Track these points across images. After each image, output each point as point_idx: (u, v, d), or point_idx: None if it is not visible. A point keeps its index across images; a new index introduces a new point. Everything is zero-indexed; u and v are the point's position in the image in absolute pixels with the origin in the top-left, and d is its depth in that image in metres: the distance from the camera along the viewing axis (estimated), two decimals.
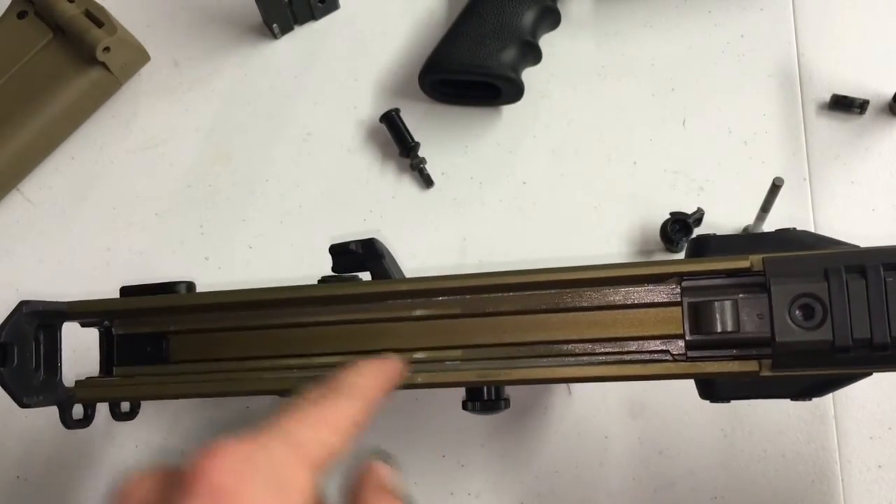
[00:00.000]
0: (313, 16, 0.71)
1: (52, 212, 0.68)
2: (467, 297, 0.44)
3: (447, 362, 0.43)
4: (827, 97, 0.64)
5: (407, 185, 0.66)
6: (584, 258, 0.62)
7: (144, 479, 0.31)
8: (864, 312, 0.37)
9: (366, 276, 0.48)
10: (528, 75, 0.65)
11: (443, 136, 0.67)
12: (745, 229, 0.61)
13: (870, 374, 0.40)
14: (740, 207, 0.61)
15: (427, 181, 0.65)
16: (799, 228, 0.43)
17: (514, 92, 0.64)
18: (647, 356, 0.41)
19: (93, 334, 0.50)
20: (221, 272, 0.65)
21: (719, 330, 0.39)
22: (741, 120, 0.64)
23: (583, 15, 0.69)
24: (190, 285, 0.49)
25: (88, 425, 0.49)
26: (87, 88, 0.68)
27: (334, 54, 0.71)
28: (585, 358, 0.42)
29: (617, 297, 0.42)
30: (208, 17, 0.73)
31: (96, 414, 0.50)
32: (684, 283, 0.41)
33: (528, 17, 0.63)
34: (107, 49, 0.66)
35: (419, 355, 0.44)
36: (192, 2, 0.73)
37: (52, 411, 0.48)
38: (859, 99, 0.63)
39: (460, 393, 0.47)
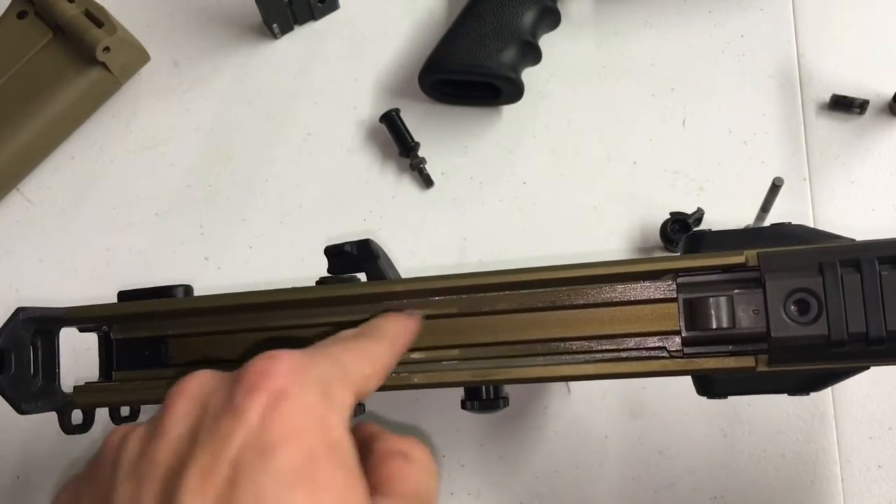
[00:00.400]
0: (313, 16, 0.71)
1: (52, 212, 0.68)
2: (463, 296, 0.43)
3: (444, 362, 0.43)
4: (827, 97, 0.64)
5: (407, 185, 0.66)
6: (584, 258, 0.62)
7: (203, 376, 0.34)
8: (860, 306, 0.37)
9: (362, 276, 0.48)
10: (528, 75, 0.65)
11: (443, 136, 0.67)
12: (746, 229, 0.61)
13: (867, 367, 0.40)
14: (740, 207, 0.61)
15: (427, 181, 0.65)
16: (793, 223, 0.43)
17: (514, 92, 0.64)
18: (644, 353, 0.41)
19: (92, 334, 0.50)
20: (221, 272, 0.65)
21: (715, 326, 0.39)
22: (741, 120, 0.64)
23: (583, 15, 0.69)
24: (187, 289, 0.49)
25: (88, 430, 0.49)
26: (87, 88, 0.68)
27: (334, 54, 0.71)
28: (582, 356, 0.42)
29: (613, 295, 0.42)
30: (208, 17, 0.73)
31: (97, 415, 0.50)
32: (679, 280, 0.41)
33: (528, 17, 0.63)
34: (107, 49, 0.66)
35: (416, 355, 0.44)
36: (192, 2, 0.73)
37: (52, 413, 0.48)
38: (859, 99, 0.63)
39: (459, 392, 0.47)
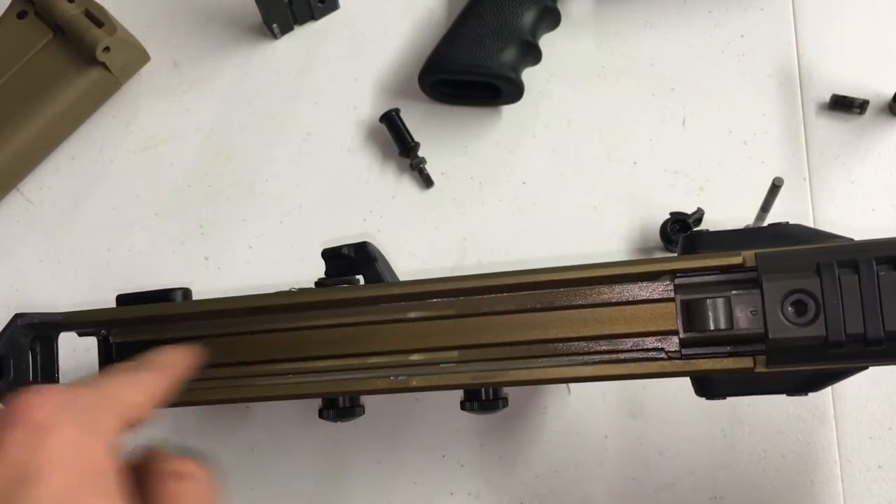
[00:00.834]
0: (313, 16, 0.71)
1: (52, 212, 0.68)
2: (461, 298, 0.43)
3: (442, 364, 0.43)
4: (827, 97, 0.64)
5: (407, 185, 0.66)
6: (584, 258, 0.62)
7: None
8: (857, 307, 0.37)
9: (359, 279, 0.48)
10: (528, 75, 0.65)
11: (443, 136, 0.67)
12: (746, 228, 0.61)
13: (866, 367, 0.39)
14: (740, 207, 0.61)
15: (427, 181, 0.65)
16: (792, 222, 0.43)
17: (514, 92, 0.64)
18: (642, 354, 0.41)
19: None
20: (221, 272, 0.65)
21: (712, 327, 0.39)
22: (741, 120, 0.64)
23: (583, 15, 0.69)
24: (186, 292, 0.49)
25: None
26: (87, 88, 0.68)
27: (334, 54, 0.71)
28: (581, 358, 0.42)
29: (611, 296, 0.42)
30: (208, 17, 0.73)
31: None
32: (677, 281, 0.41)
33: (528, 17, 0.63)
34: (107, 49, 0.66)
35: (415, 357, 0.44)
36: (192, 2, 0.73)
37: None
38: (859, 99, 0.63)
39: (459, 393, 0.47)
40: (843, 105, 0.63)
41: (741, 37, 0.67)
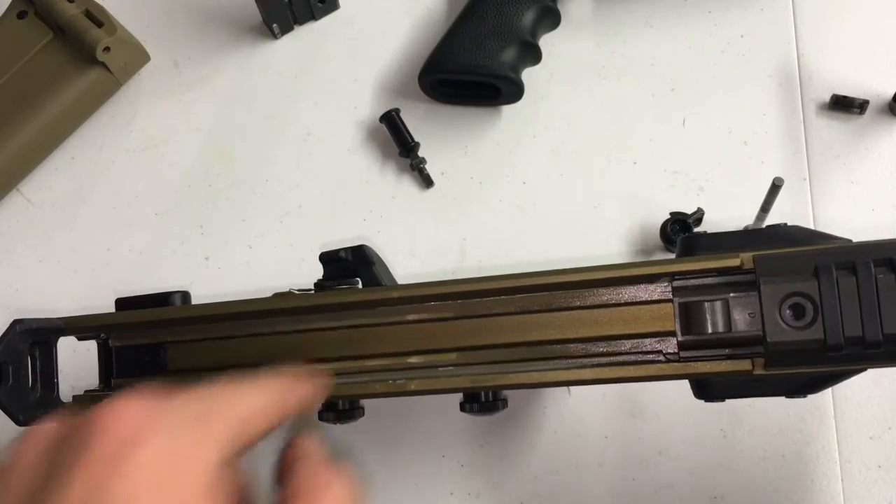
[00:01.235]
0: (313, 16, 0.71)
1: (52, 212, 0.68)
2: (459, 301, 0.43)
3: (440, 368, 0.43)
4: (827, 97, 0.64)
5: (407, 185, 0.66)
6: (584, 258, 0.62)
7: (48, 427, 0.30)
8: (856, 310, 0.37)
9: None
10: (528, 75, 0.65)
11: (443, 136, 0.67)
12: (745, 229, 0.61)
13: (864, 369, 0.39)
14: (740, 207, 0.61)
15: (427, 181, 0.65)
16: (790, 224, 0.43)
17: (514, 92, 0.64)
18: (641, 357, 0.41)
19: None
20: (221, 272, 0.65)
21: (710, 330, 0.39)
22: (741, 120, 0.64)
23: (583, 15, 0.69)
24: (185, 295, 0.49)
25: None
26: (87, 88, 0.68)
27: (334, 54, 0.70)
28: (579, 361, 0.42)
29: (608, 298, 0.42)
30: (208, 17, 0.73)
31: None
32: (675, 283, 0.41)
33: (528, 17, 0.63)
34: (107, 49, 0.66)
35: (413, 360, 0.44)
36: (191, 2, 0.73)
37: None
38: (859, 99, 0.63)
39: (459, 394, 0.47)
40: (843, 105, 0.63)
41: (741, 37, 0.67)
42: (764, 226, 0.59)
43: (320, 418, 0.48)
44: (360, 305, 0.44)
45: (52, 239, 0.67)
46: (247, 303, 0.45)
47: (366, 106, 0.68)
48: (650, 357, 0.41)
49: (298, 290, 0.49)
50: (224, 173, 0.68)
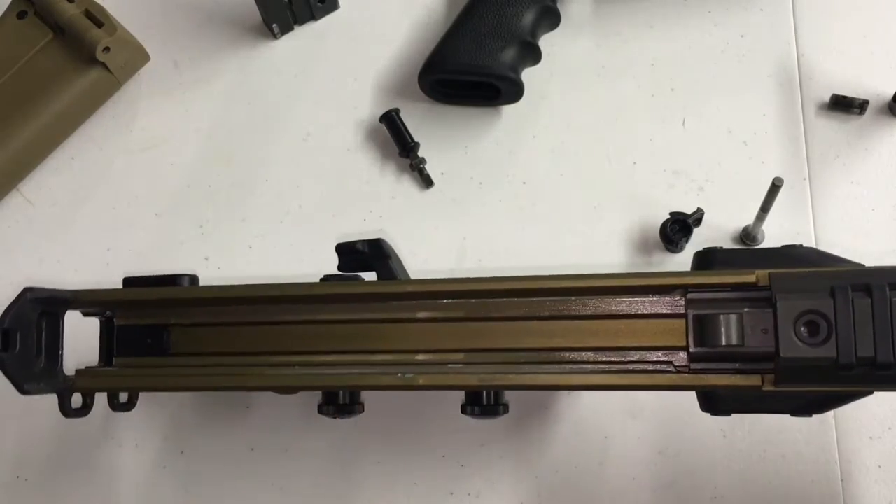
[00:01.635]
0: (313, 16, 0.71)
1: (52, 212, 0.68)
2: (472, 300, 0.44)
3: (450, 365, 0.43)
4: (827, 97, 0.64)
5: (407, 185, 0.66)
6: (584, 258, 0.62)
7: None
8: (869, 331, 0.37)
9: (371, 276, 0.48)
10: (528, 75, 0.65)
11: (443, 136, 0.67)
12: (745, 229, 0.61)
13: (871, 392, 0.40)
14: (740, 207, 0.61)
15: (427, 181, 0.65)
16: (805, 245, 0.43)
17: (514, 92, 0.64)
18: (650, 367, 0.41)
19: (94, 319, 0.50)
20: (221, 272, 0.65)
21: (724, 343, 0.39)
22: (741, 120, 0.64)
23: (583, 15, 0.69)
24: (193, 278, 0.49)
25: (87, 415, 0.49)
26: (87, 88, 0.68)
27: (334, 54, 0.70)
28: (589, 366, 0.42)
29: (621, 307, 0.42)
30: (208, 17, 0.73)
31: (97, 414, 0.50)
32: (689, 296, 0.41)
33: (528, 17, 0.63)
34: (107, 49, 0.66)
35: (421, 357, 0.44)
36: (191, 2, 0.73)
37: (53, 410, 0.48)
38: (859, 99, 0.63)
39: (460, 395, 0.47)
40: (843, 105, 0.63)
41: (741, 37, 0.67)
42: (763, 225, 0.59)
43: (319, 412, 0.48)
44: (372, 297, 0.44)
45: (52, 239, 0.67)
46: (258, 288, 0.45)
47: (366, 106, 0.68)
48: (660, 367, 0.41)
49: (310, 283, 0.49)
50: (224, 173, 0.68)
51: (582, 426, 0.58)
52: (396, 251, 0.60)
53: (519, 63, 0.64)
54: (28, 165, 0.68)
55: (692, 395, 0.44)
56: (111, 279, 0.65)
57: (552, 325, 0.43)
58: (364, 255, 0.46)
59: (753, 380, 0.39)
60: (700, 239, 0.61)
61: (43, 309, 0.46)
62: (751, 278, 0.40)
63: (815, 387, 0.39)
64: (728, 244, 0.61)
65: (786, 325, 0.38)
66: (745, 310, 0.40)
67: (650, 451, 0.58)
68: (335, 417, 0.48)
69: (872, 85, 0.64)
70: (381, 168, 0.67)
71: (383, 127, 0.66)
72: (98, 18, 0.66)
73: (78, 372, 0.48)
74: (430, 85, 0.66)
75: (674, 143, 0.64)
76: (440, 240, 0.64)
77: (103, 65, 0.67)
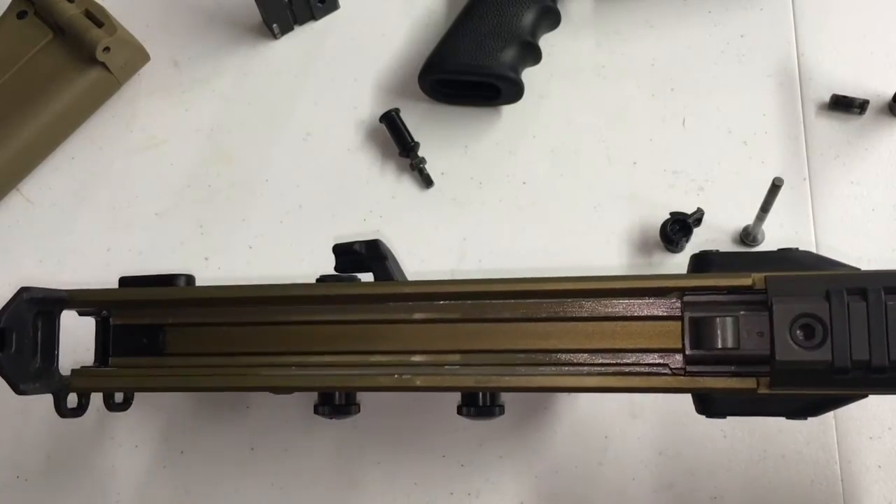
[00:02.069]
0: (313, 16, 0.71)
1: (52, 212, 0.68)
2: (468, 302, 0.44)
3: (447, 366, 0.43)
4: (827, 97, 0.64)
5: (407, 185, 0.66)
6: (584, 258, 0.62)
7: None
8: (864, 335, 0.37)
9: (367, 276, 0.48)
10: (528, 75, 0.65)
11: (443, 136, 0.67)
12: (745, 229, 0.61)
13: (865, 396, 0.40)
14: (740, 207, 0.61)
15: (427, 181, 0.65)
16: (801, 248, 0.43)
17: (514, 92, 0.64)
18: (646, 369, 0.41)
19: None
20: (221, 272, 0.65)
21: (720, 346, 0.39)
22: (741, 120, 0.64)
23: (583, 15, 0.69)
24: (189, 278, 0.49)
25: (82, 415, 0.49)
26: (87, 88, 0.68)
27: (334, 54, 0.71)
28: (585, 368, 0.42)
29: (618, 309, 0.42)
30: (208, 17, 0.73)
31: (96, 414, 0.50)
32: (686, 298, 0.41)
33: (528, 17, 0.63)
34: (107, 49, 0.66)
35: (417, 358, 0.44)
36: (192, 2, 0.73)
37: (51, 411, 0.48)
38: (859, 99, 0.63)
39: (458, 395, 0.47)
40: (843, 105, 0.63)
41: (741, 37, 0.67)
42: (764, 226, 0.59)
43: (315, 412, 0.48)
44: (369, 299, 0.44)
45: (52, 239, 0.67)
46: (253, 288, 0.46)
47: (366, 106, 0.68)
48: (656, 369, 0.41)
49: (307, 283, 0.49)
50: (224, 173, 0.68)
51: (582, 426, 0.58)
52: (396, 251, 0.60)
53: (519, 63, 0.64)
54: (28, 165, 0.68)
55: (691, 395, 0.44)
56: (111, 279, 0.65)
57: (548, 326, 0.43)
58: (361, 255, 0.46)
59: (749, 382, 0.39)
60: (700, 239, 0.61)
61: (39, 309, 0.46)
62: (747, 281, 0.40)
63: (811, 390, 0.39)
64: (728, 244, 0.61)
65: (781, 329, 0.38)
66: (741, 313, 0.40)
67: (650, 452, 0.58)
68: (331, 418, 0.48)
69: (872, 85, 0.64)
70: (381, 168, 0.67)
71: (383, 127, 0.66)
72: (98, 18, 0.67)
73: (74, 372, 0.48)
74: (430, 85, 0.66)
75: (674, 143, 0.64)
76: (440, 240, 0.64)
77: (103, 65, 0.67)
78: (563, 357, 0.42)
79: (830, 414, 0.57)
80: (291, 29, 0.71)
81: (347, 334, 0.45)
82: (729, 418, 0.57)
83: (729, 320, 0.39)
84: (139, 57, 0.70)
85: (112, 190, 0.68)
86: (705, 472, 0.57)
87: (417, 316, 0.44)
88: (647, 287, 0.41)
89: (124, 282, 0.49)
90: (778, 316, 0.38)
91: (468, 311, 0.44)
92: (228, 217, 0.66)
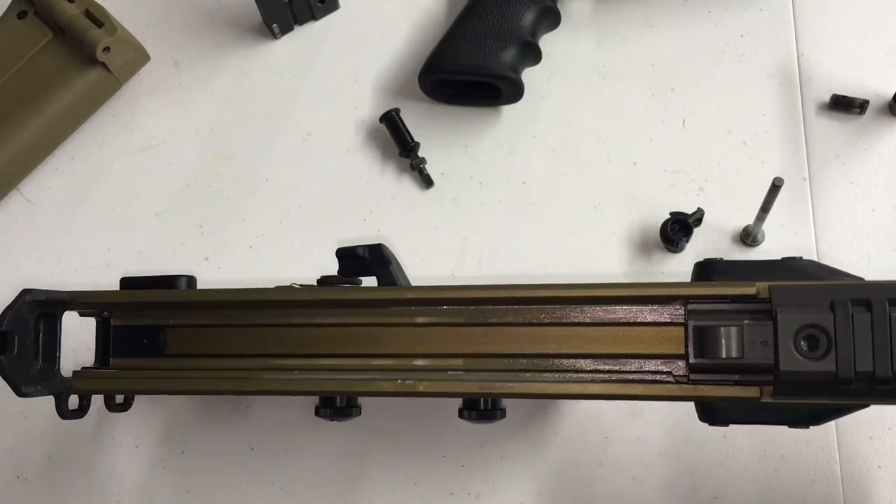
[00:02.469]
0: (313, 16, 0.71)
1: (52, 212, 0.68)
2: (471, 307, 0.43)
3: (450, 371, 0.43)
4: (827, 97, 0.64)
5: (407, 185, 0.66)
6: (584, 258, 0.62)
7: None
8: (868, 346, 0.37)
9: (370, 280, 0.48)
10: (528, 75, 0.65)
11: (443, 136, 0.67)
12: (745, 229, 0.61)
13: (867, 405, 0.40)
14: (740, 207, 0.61)
15: (427, 181, 0.65)
16: (805, 257, 0.43)
17: (514, 92, 0.64)
18: (650, 376, 0.41)
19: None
20: (221, 272, 0.65)
21: (724, 355, 0.39)
22: (741, 120, 0.64)
23: (583, 15, 0.69)
24: (191, 280, 0.49)
25: (83, 416, 0.49)
26: (87, 88, 0.68)
27: (334, 54, 0.70)
28: (588, 375, 0.42)
29: (621, 315, 0.42)
30: (208, 17, 0.73)
31: (97, 414, 0.50)
32: (690, 307, 0.41)
33: (528, 17, 0.63)
34: (107, 49, 0.66)
35: (419, 362, 0.44)
36: (192, 2, 0.73)
37: (52, 412, 0.48)
38: (859, 99, 0.63)
39: (459, 398, 0.47)
40: (843, 105, 0.63)
41: (741, 37, 0.67)
42: (764, 226, 0.59)
43: (317, 414, 0.48)
44: (373, 303, 0.44)
45: (52, 239, 0.67)
46: (255, 292, 0.45)
47: (366, 106, 0.68)
48: (659, 377, 0.41)
49: (299, 285, 0.49)
50: (224, 173, 0.68)
51: (582, 426, 0.58)
52: (396, 251, 0.60)
53: (519, 63, 0.64)
54: (28, 165, 0.68)
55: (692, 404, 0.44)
56: (111, 279, 0.65)
57: (552, 330, 0.43)
58: (364, 259, 0.46)
59: (752, 391, 0.39)
60: (700, 239, 0.61)
61: (40, 311, 0.46)
62: (751, 290, 0.40)
63: (813, 399, 0.39)
64: (728, 244, 0.61)
65: (786, 339, 0.38)
66: (745, 322, 0.40)
67: (650, 452, 0.58)
68: (332, 420, 0.48)
69: (872, 85, 0.64)
70: (381, 168, 0.67)
71: (383, 127, 0.66)
72: (98, 18, 0.67)
73: (75, 373, 0.48)
74: (430, 85, 0.66)
75: (674, 143, 0.64)
76: (440, 240, 0.64)
77: (103, 65, 0.67)
78: (567, 363, 0.42)
79: None
80: (291, 29, 0.71)
81: (349, 337, 0.45)
82: None
83: (733, 330, 0.39)
84: (139, 57, 0.70)
85: (112, 190, 0.68)
86: (705, 472, 0.57)
87: (420, 320, 0.44)
88: (651, 295, 0.41)
89: (125, 282, 0.49)
90: (782, 326, 0.38)
91: (471, 315, 0.44)
92: (228, 217, 0.66)
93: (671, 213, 0.61)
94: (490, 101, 0.66)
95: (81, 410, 0.49)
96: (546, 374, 0.42)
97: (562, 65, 0.68)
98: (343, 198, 0.66)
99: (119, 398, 0.53)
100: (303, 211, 0.66)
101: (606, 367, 0.42)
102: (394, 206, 0.65)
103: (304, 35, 0.71)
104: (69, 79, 0.67)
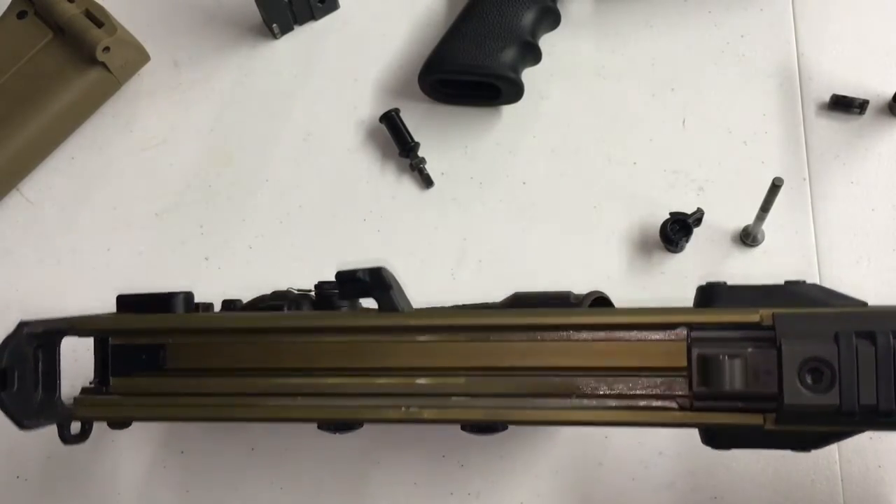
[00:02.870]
0: (313, 16, 0.71)
1: (52, 212, 0.68)
2: (474, 333, 0.43)
3: (454, 398, 0.43)
4: (827, 97, 0.64)
5: (407, 185, 0.66)
6: (584, 258, 0.62)
7: None
8: (872, 379, 0.37)
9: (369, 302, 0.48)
10: (528, 75, 0.65)
11: (443, 136, 0.67)
12: (745, 229, 0.61)
13: (867, 430, 0.40)
14: (740, 207, 0.61)
15: (427, 181, 0.65)
16: (809, 282, 0.43)
17: (514, 92, 0.64)
18: (654, 402, 0.41)
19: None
20: (221, 272, 0.65)
21: (728, 386, 0.39)
22: (741, 120, 0.64)
23: (583, 15, 0.69)
24: (188, 296, 0.49)
25: (86, 440, 0.48)
26: (87, 88, 0.68)
27: (334, 54, 0.71)
28: (592, 401, 0.42)
29: (624, 341, 0.42)
30: (208, 17, 0.73)
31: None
32: (693, 334, 0.41)
33: (528, 17, 0.63)
34: (107, 49, 0.66)
35: (421, 381, 0.43)
36: (192, 2, 0.73)
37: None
38: (859, 99, 0.63)
39: None
40: (843, 105, 0.63)
41: (741, 37, 0.67)
42: (763, 226, 0.59)
43: (319, 428, 0.47)
44: (374, 331, 0.44)
45: (52, 239, 0.67)
46: (252, 319, 0.45)
47: (366, 106, 0.68)
48: (663, 403, 0.41)
49: (297, 290, 0.48)
50: (224, 173, 0.68)
51: (582, 426, 0.58)
52: (396, 251, 0.60)
53: (519, 63, 0.64)
54: (28, 165, 0.68)
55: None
56: (111, 279, 0.65)
57: (555, 346, 0.42)
58: (365, 283, 0.46)
59: (755, 419, 0.40)
60: (700, 239, 0.61)
61: (38, 342, 0.45)
62: (754, 318, 0.40)
63: (816, 427, 0.39)
64: (728, 244, 0.61)
65: (790, 372, 0.38)
66: (749, 350, 0.40)
67: (650, 452, 0.58)
68: (335, 433, 0.48)
69: (872, 85, 0.64)
70: (381, 168, 0.67)
71: (383, 127, 0.66)
72: (98, 18, 0.67)
73: (76, 400, 0.48)
74: (430, 85, 0.66)
75: (674, 143, 0.65)
76: (440, 240, 0.64)
77: (103, 65, 0.67)
78: (570, 380, 0.42)
79: None
80: (291, 29, 0.71)
81: (349, 352, 0.44)
82: None
83: (737, 361, 0.39)
84: (139, 57, 0.70)
85: (112, 190, 0.68)
86: (705, 472, 0.57)
87: (422, 338, 0.44)
88: (654, 322, 0.41)
89: (122, 300, 0.49)
90: (786, 358, 0.38)
91: (473, 334, 0.44)
92: (228, 217, 0.66)
93: (671, 213, 0.61)
94: (490, 101, 0.66)
95: (83, 435, 0.48)
96: (552, 400, 0.42)
97: (562, 65, 0.68)
98: (343, 198, 0.66)
99: None
100: (303, 211, 0.66)
101: (611, 392, 0.42)
102: (394, 206, 0.65)
103: (304, 35, 0.72)
104: (69, 79, 0.67)
